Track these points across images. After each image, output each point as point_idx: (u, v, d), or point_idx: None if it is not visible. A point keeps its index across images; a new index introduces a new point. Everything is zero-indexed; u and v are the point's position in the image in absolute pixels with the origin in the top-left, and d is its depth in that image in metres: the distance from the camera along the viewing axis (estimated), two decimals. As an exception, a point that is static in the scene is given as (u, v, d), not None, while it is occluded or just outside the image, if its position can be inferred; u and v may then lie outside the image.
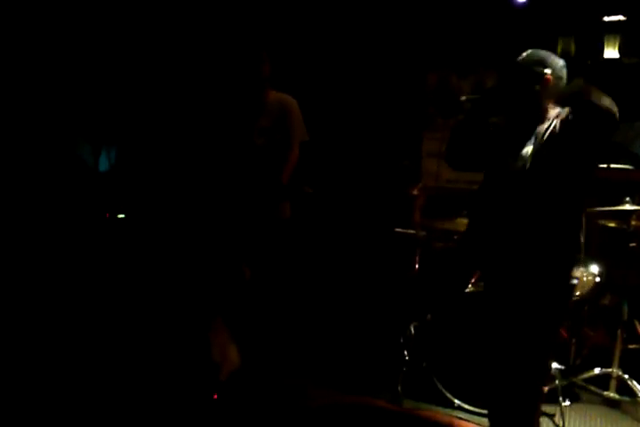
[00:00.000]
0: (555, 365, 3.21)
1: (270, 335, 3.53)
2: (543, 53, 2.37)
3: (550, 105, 2.36)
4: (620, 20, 4.99)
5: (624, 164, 4.32)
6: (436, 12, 4.72)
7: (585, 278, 3.25)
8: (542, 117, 2.34)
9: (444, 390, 3.20)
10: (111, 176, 4.16)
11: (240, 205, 3.51)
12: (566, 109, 2.27)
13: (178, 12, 4.28)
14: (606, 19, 5.02)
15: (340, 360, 3.81)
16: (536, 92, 2.33)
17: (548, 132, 2.27)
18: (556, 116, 2.30)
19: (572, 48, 5.22)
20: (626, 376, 3.28)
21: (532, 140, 2.31)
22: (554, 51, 5.36)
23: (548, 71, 2.32)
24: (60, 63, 3.94)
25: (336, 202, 4.47)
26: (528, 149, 2.31)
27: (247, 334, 3.50)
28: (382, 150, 4.73)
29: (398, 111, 4.80)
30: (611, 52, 5.13)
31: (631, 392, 3.25)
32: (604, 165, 4.01)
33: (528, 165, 2.26)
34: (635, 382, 3.25)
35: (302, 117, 3.56)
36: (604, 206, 3.30)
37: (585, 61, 5.30)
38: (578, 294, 3.28)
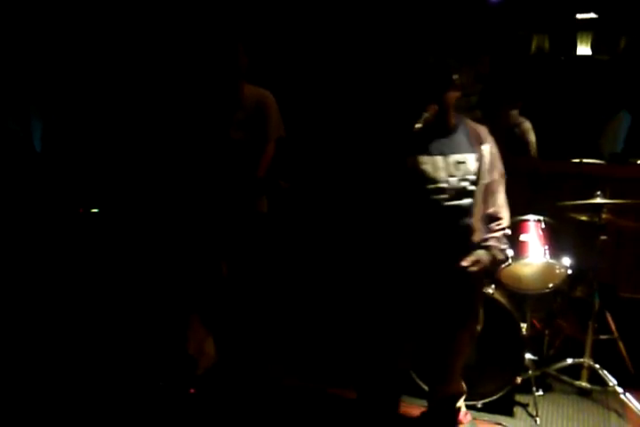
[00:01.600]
0: (528, 355, 3.27)
1: (248, 330, 3.53)
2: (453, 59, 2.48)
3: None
4: (592, 18, 5.06)
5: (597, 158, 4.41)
6: (410, 11, 4.74)
7: (557, 270, 3.30)
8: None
9: (419, 381, 3.24)
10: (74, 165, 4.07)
11: (216, 199, 3.50)
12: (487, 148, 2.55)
13: (154, 3, 4.23)
14: (579, 16, 5.08)
15: (317, 353, 3.84)
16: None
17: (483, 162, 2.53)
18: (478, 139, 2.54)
19: (547, 45, 5.29)
20: (597, 366, 3.34)
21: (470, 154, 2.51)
22: (528, 48, 5.46)
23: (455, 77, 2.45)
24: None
25: (313, 196, 4.48)
26: (467, 162, 2.50)
27: (224, 328, 3.50)
28: (361, 144, 4.74)
29: (377, 106, 4.82)
30: (583, 49, 5.21)
31: (602, 382, 3.31)
32: (577, 160, 4.08)
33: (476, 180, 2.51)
34: (605, 372, 3.31)
35: (280, 113, 3.56)
36: (575, 200, 3.36)
37: (559, 58, 5.38)
38: (551, 285, 3.33)
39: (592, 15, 4.98)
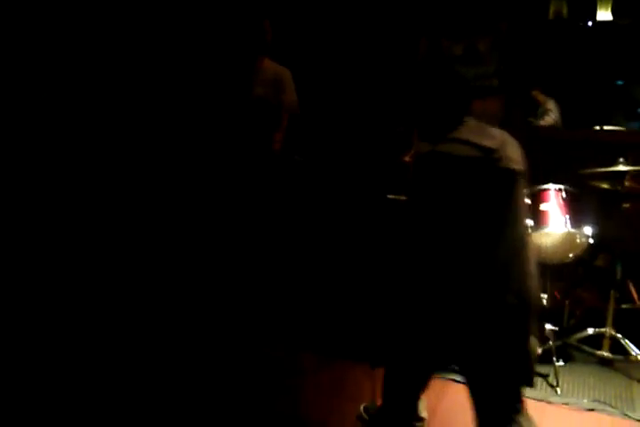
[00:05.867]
0: (548, 326, 3.25)
1: (259, 302, 3.56)
2: None
3: None
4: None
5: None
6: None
7: (578, 240, 3.25)
8: None
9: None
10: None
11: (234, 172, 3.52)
12: None
13: None
14: (598, -20, 4.94)
15: (328, 325, 3.83)
16: None
17: None
18: None
19: (565, 10, 5.16)
20: (619, 336, 3.32)
21: None
22: (546, 14, 5.34)
23: None
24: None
25: (329, 169, 4.46)
26: None
27: (236, 300, 3.53)
28: (376, 117, 4.70)
29: (391, 77, 4.76)
30: (603, 14, 5.06)
31: (624, 351, 3.29)
32: (597, 127, 4.00)
33: None
34: (627, 341, 3.29)
35: (295, 91, 3.57)
36: (597, 168, 3.29)
37: (577, 24, 5.25)
38: (572, 255, 3.30)
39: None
